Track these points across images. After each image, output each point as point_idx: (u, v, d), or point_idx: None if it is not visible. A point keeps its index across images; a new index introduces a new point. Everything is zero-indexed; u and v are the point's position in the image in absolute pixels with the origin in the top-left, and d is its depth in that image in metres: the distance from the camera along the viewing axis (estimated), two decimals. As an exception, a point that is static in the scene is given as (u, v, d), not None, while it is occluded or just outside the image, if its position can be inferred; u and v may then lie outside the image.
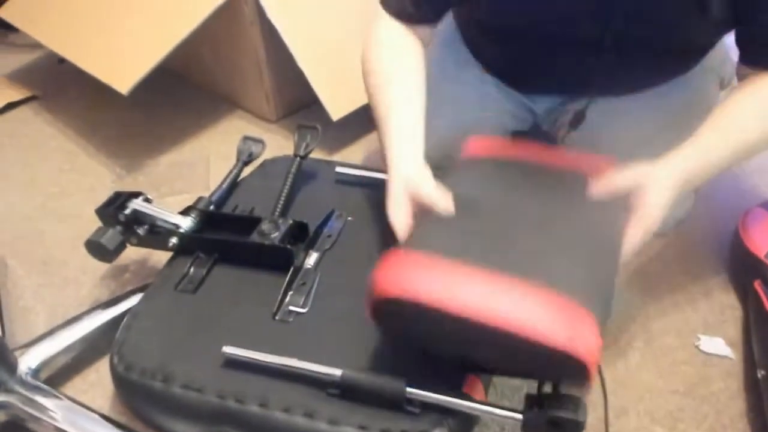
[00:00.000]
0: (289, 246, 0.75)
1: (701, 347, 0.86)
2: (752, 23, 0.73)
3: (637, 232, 0.64)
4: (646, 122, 0.91)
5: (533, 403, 0.58)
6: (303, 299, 0.73)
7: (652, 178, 0.66)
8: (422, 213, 0.66)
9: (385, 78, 0.80)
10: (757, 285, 0.85)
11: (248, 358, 0.65)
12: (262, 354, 0.65)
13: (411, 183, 0.67)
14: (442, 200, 0.65)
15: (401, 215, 0.66)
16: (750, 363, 0.82)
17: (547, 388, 0.59)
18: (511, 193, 0.69)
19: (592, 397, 0.79)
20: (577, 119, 0.89)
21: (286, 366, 0.64)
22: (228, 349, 0.66)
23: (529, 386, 0.64)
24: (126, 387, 0.69)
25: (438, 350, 0.62)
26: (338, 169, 0.92)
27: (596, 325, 0.52)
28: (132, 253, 0.86)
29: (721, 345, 0.86)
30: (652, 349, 0.86)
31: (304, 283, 0.75)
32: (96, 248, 0.82)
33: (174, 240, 0.80)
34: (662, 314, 0.90)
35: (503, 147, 0.79)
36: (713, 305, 0.92)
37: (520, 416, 0.58)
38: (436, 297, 0.52)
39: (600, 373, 0.81)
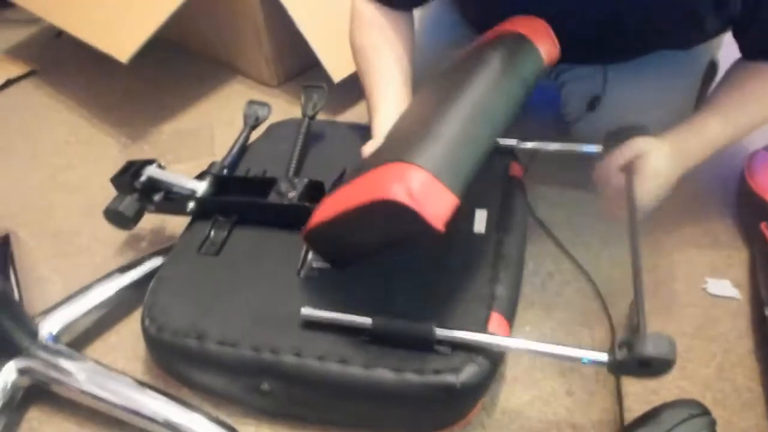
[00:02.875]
0: (307, 204, 0.76)
1: (708, 290, 0.87)
2: (752, 23, 0.74)
3: (644, 190, 0.74)
4: (656, 80, 0.92)
5: (621, 343, 0.60)
6: None
7: (650, 145, 0.75)
8: None
9: (371, 58, 0.84)
10: (764, 227, 0.86)
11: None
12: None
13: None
14: None
15: None
16: (756, 303, 0.84)
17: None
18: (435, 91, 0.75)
19: (602, 341, 0.81)
20: (593, 103, 0.90)
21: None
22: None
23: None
24: (160, 348, 0.71)
25: (353, 251, 0.70)
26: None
27: (422, 170, 0.56)
28: (143, 220, 0.87)
29: (727, 287, 0.87)
30: (660, 294, 0.87)
31: (325, 241, 0.76)
32: (115, 216, 0.83)
33: (192, 204, 0.81)
34: (669, 259, 0.91)
35: None
36: (720, 248, 0.93)
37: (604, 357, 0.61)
38: (321, 216, 0.64)
39: (609, 317, 0.83)
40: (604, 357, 0.60)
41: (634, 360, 0.58)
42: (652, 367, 0.58)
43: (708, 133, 0.78)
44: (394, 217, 0.56)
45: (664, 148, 0.76)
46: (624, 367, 0.59)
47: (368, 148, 0.74)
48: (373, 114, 0.79)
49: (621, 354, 0.59)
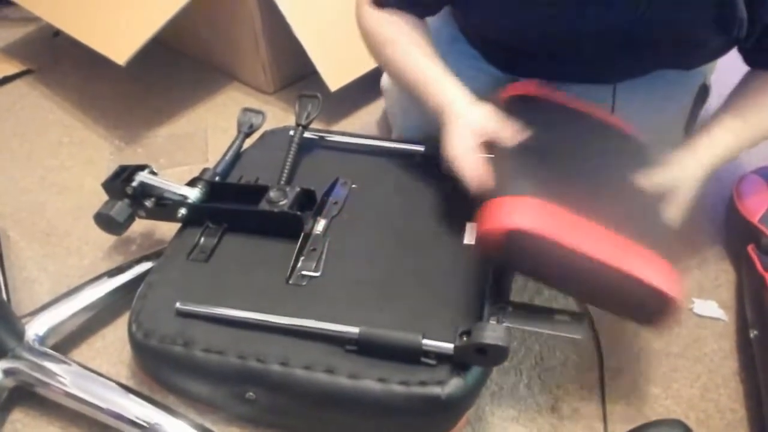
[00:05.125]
0: (298, 213, 0.77)
1: (695, 310, 0.87)
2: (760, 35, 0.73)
3: (675, 218, 0.72)
4: (658, 102, 0.92)
5: (462, 333, 0.62)
6: (315, 264, 0.75)
7: (682, 179, 0.74)
8: (491, 151, 0.70)
9: (405, 44, 0.80)
10: (751, 249, 0.86)
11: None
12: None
13: (475, 123, 0.70)
14: (507, 131, 0.69)
15: (472, 160, 0.69)
16: (742, 324, 0.84)
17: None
18: (565, 137, 0.76)
19: (588, 359, 0.81)
20: None
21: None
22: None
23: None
24: (146, 353, 0.71)
25: (543, 278, 0.70)
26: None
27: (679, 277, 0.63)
28: (134, 224, 0.87)
29: (714, 308, 0.88)
30: (647, 312, 0.87)
31: (314, 249, 0.76)
32: (105, 221, 0.83)
33: (183, 211, 0.81)
34: (657, 279, 0.92)
35: (542, 90, 0.83)
36: (707, 270, 0.93)
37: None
38: (571, 238, 0.61)
39: (596, 335, 0.83)
40: (449, 346, 0.62)
41: (471, 346, 0.60)
42: (489, 354, 0.60)
43: (729, 143, 0.78)
44: (647, 297, 0.62)
45: (695, 175, 0.76)
46: (464, 354, 0.62)
47: (486, 127, 0.70)
48: (437, 97, 0.74)
49: (460, 341, 0.61)
